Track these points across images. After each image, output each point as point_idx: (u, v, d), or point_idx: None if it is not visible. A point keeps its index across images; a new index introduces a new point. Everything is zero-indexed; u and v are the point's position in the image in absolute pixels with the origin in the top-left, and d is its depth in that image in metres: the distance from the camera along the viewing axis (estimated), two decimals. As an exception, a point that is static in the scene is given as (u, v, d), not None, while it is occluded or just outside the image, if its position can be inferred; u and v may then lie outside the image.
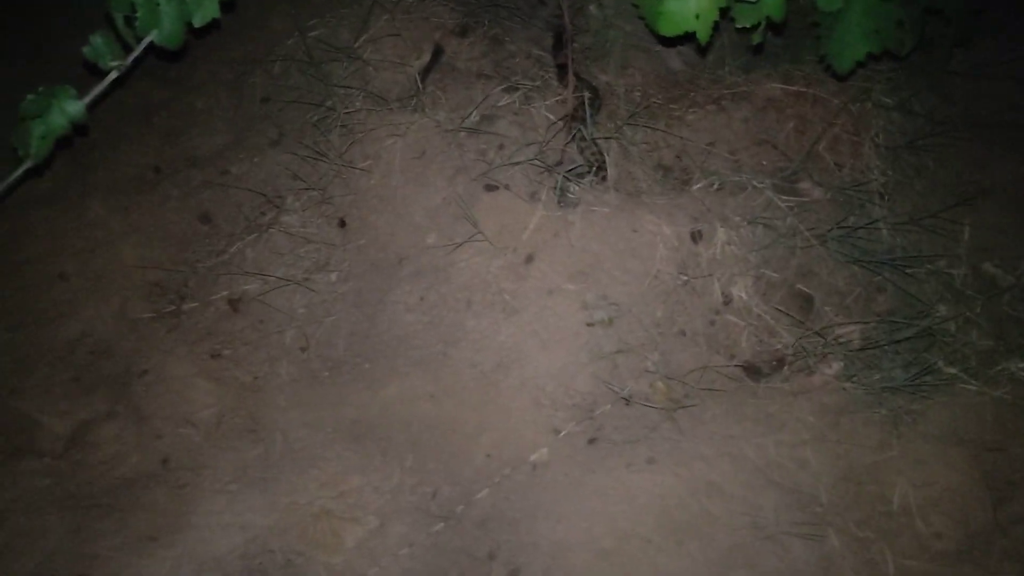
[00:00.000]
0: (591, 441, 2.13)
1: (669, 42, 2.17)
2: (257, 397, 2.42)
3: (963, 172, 2.47)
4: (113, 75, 1.60)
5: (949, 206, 2.35)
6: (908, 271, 2.32)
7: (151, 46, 1.63)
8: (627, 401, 2.18)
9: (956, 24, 2.28)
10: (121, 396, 2.41)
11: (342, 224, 2.74)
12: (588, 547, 1.91)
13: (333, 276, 2.63)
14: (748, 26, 1.92)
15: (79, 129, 1.59)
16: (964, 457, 1.99)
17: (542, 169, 2.48)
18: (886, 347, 2.16)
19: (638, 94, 2.79)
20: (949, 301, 2.24)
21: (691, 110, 2.69)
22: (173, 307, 2.62)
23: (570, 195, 2.43)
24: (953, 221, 2.40)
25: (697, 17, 1.79)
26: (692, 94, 2.74)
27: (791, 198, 2.40)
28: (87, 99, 1.57)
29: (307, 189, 2.81)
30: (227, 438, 2.34)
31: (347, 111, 2.91)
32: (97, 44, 1.54)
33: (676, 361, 2.23)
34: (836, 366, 2.18)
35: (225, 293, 2.63)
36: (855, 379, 2.15)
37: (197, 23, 1.69)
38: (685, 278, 2.33)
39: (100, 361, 2.50)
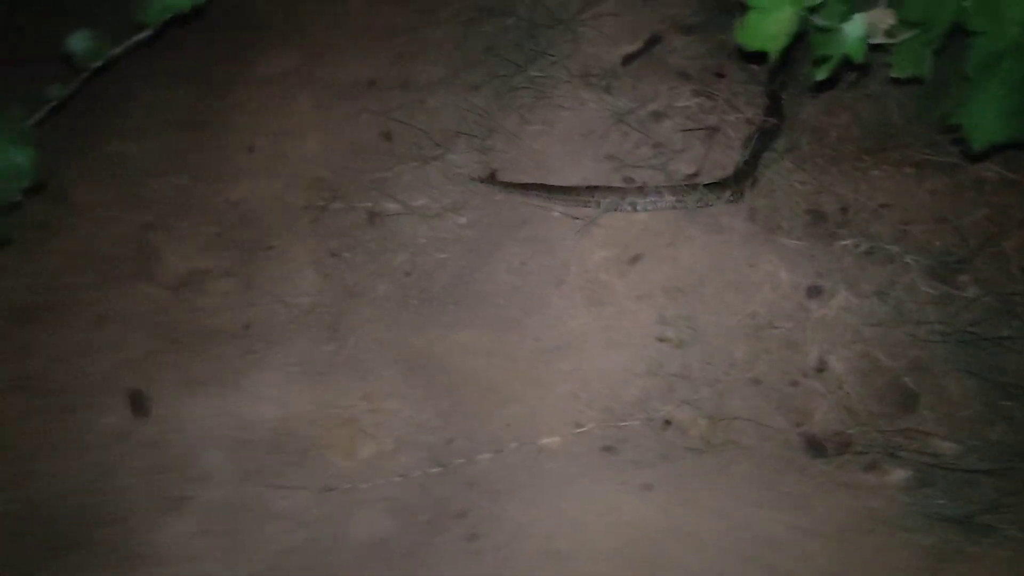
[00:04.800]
0: (605, 448, 2.20)
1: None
2: (350, 302, 2.75)
3: None
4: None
5: None
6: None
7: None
8: (662, 425, 2.19)
9: None
10: (245, 261, 2.86)
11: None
12: (543, 542, 2.01)
13: (463, 219, 2.88)
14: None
15: (197, 10, 1.90)
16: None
17: (686, 178, 2.59)
18: (973, 473, 1.96)
19: (835, 135, 2.71)
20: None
21: (882, 166, 2.61)
22: (323, 203, 3.03)
23: (697, 205, 2.47)
24: None
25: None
26: (893, 150, 2.63)
27: (940, 286, 2.26)
28: (212, -12, 1.89)
29: (480, 137, 3.08)
30: (309, 327, 2.68)
31: (543, 76, 3.10)
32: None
33: (733, 406, 2.22)
34: (902, 474, 2.05)
35: (369, 204, 2.99)
36: (916, 495, 1.98)
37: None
38: (783, 329, 2.27)
39: (244, 227, 2.95)
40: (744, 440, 2.24)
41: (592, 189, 2.73)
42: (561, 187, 2.81)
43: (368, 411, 2.53)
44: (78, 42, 1.98)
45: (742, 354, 2.37)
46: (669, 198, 2.60)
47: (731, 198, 2.60)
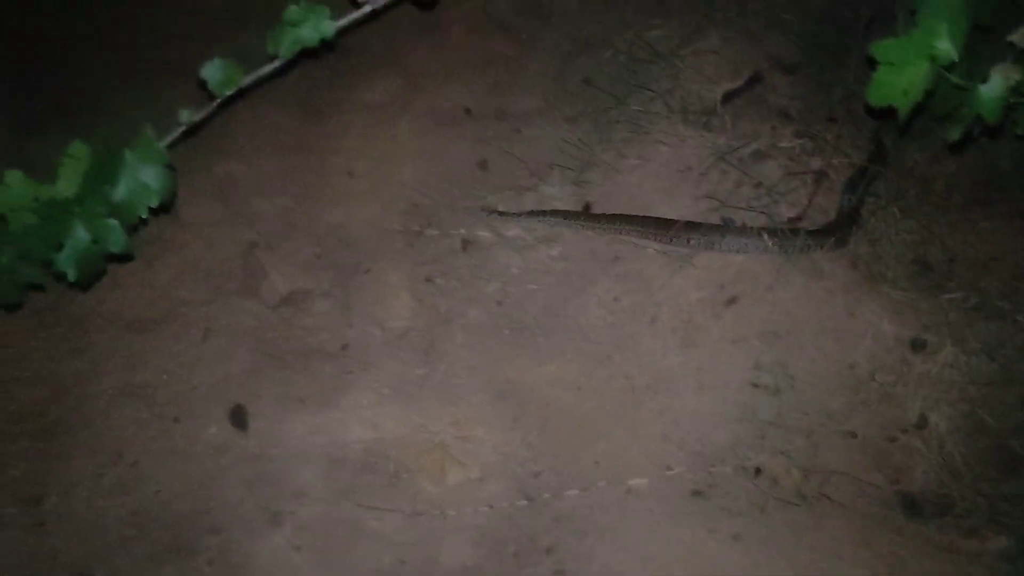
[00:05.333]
0: (694, 493, 2.18)
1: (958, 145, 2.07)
2: (443, 328, 2.79)
3: None
4: (367, 8, 1.96)
5: None
6: None
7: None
8: (753, 473, 2.16)
9: None
10: (343, 282, 2.93)
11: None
12: (631, 584, 1.97)
13: (555, 251, 2.89)
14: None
15: (326, 44, 1.97)
16: None
17: (787, 222, 2.63)
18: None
19: (942, 184, 2.65)
20: None
21: (991, 219, 2.52)
22: (418, 228, 3.09)
23: (798, 251, 2.42)
24: None
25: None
26: (1002, 202, 2.57)
27: (1052, 346, 2.16)
28: (339, 23, 1.94)
29: (576, 169, 3.08)
30: (402, 350, 2.73)
31: (641, 110, 3.11)
32: (359, -21, 1.91)
33: (827, 458, 2.18)
34: (1004, 541, 1.97)
35: (463, 232, 3.02)
36: (1019, 564, 1.91)
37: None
38: (884, 382, 2.22)
39: (342, 249, 3.03)
40: (838, 495, 2.19)
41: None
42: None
43: (457, 437, 2.55)
44: (212, 70, 2.05)
45: (839, 405, 2.32)
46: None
47: (834, 244, 2.55)
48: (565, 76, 3.64)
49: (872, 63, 1.66)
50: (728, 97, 3.11)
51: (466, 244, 3.09)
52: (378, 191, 3.33)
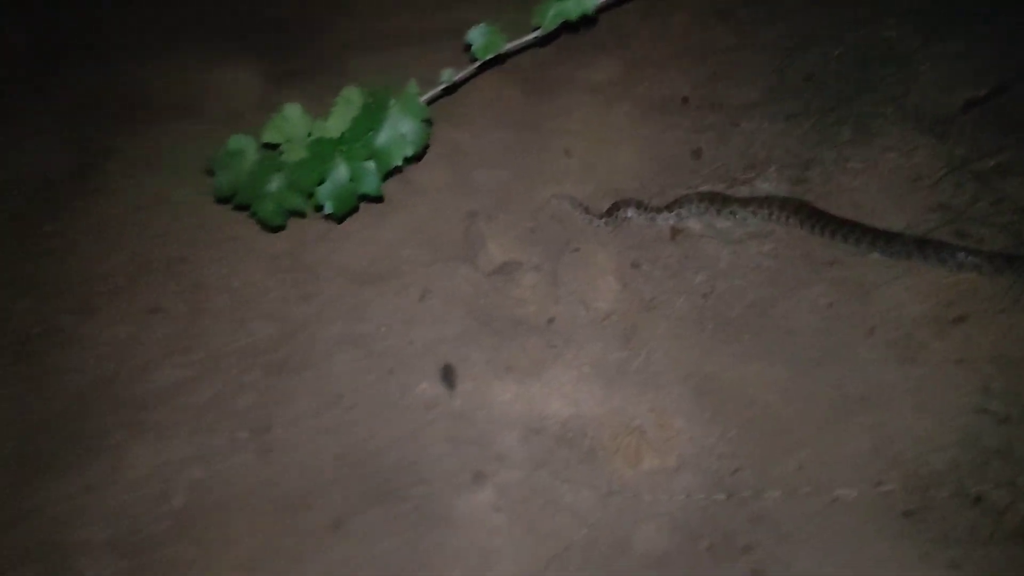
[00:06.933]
0: (906, 513, 2.07)
1: None
2: (646, 315, 2.77)
3: None
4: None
5: None
6: None
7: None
8: (972, 502, 2.03)
9: None
10: (551, 258, 2.95)
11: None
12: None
13: (766, 247, 2.82)
14: None
15: (586, 19, 1.97)
16: None
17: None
18: None
19: None
20: None
21: None
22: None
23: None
24: None
25: None
26: None
27: None
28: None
29: (793, 168, 2.97)
30: (604, 332, 2.73)
31: (869, 112, 2.97)
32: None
33: None
34: None
35: (672, 221, 2.94)
36: None
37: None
38: None
39: (553, 225, 3.06)
40: (1068, 538, 2.01)
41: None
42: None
43: (655, 424, 2.52)
44: (477, 35, 2.11)
45: (1076, 444, 2.12)
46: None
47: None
48: (787, 71, 3.51)
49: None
50: (970, 106, 2.89)
51: (675, 232, 3.04)
52: (592, 173, 3.33)
